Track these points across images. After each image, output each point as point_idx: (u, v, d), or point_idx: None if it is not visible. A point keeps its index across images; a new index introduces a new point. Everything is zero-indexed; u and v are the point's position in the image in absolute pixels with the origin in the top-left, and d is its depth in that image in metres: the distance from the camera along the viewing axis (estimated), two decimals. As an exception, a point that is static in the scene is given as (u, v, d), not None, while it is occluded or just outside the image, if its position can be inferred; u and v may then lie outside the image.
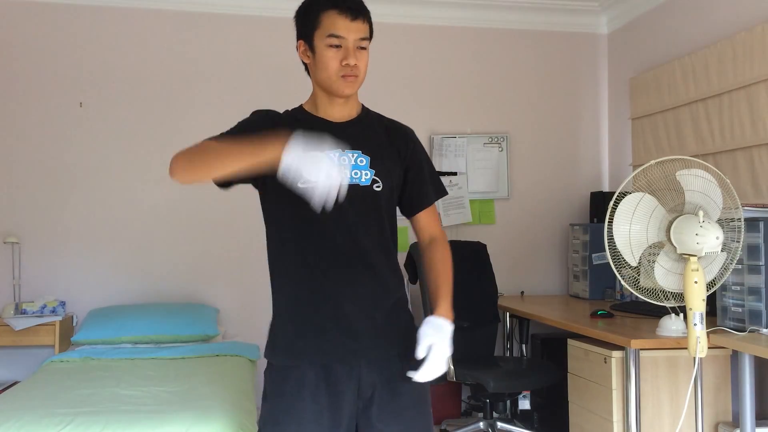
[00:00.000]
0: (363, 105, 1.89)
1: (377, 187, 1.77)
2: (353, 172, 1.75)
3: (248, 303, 4.43)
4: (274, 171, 1.54)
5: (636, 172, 2.78)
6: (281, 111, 1.87)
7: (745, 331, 2.71)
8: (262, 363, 4.49)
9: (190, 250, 4.41)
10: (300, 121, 1.79)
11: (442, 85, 4.77)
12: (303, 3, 1.81)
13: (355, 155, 1.76)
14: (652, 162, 2.74)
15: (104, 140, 4.36)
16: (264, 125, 1.74)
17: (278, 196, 1.73)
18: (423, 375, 1.68)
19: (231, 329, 4.38)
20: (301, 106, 1.87)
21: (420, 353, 1.67)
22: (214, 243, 4.42)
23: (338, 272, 1.74)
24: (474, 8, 4.74)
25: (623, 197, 2.75)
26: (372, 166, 1.77)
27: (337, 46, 1.72)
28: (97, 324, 3.92)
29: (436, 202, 1.95)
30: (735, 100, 3.59)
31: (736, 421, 2.78)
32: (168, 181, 4.70)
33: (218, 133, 1.77)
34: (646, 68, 4.41)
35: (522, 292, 4.69)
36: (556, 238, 4.86)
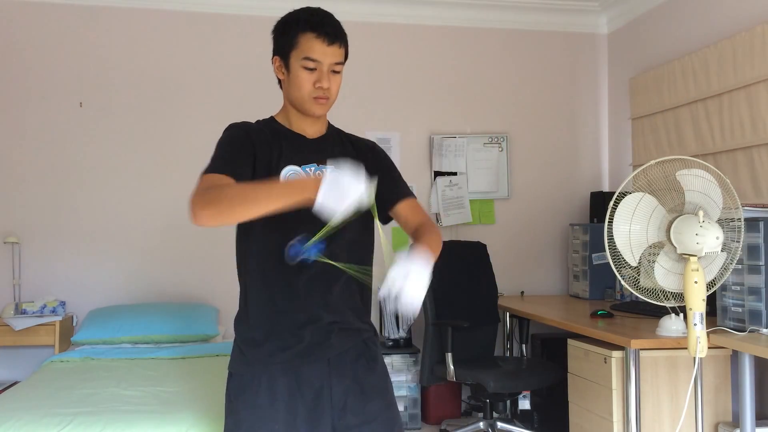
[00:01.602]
0: (329, 122, 1.94)
1: None
2: None
3: (248, 303, 4.43)
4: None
5: (636, 172, 2.78)
6: (253, 119, 1.89)
7: (745, 331, 2.71)
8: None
9: (190, 250, 4.41)
10: (278, 134, 1.83)
11: (442, 85, 4.77)
12: (282, 20, 1.83)
13: (329, 170, 1.80)
14: (652, 162, 2.74)
15: (104, 140, 4.36)
16: (250, 138, 1.79)
17: None
18: (400, 304, 1.55)
19: (231, 329, 4.36)
20: (272, 118, 1.90)
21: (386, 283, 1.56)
22: (215, 243, 4.41)
23: (311, 279, 1.76)
24: (474, 8, 4.74)
25: (623, 197, 2.75)
26: None
27: (312, 69, 1.76)
28: (97, 324, 3.92)
29: (420, 204, 1.97)
30: (735, 100, 3.59)
31: (736, 421, 2.79)
32: (167, 181, 4.67)
33: (209, 156, 1.76)
34: (646, 68, 4.41)
35: (522, 292, 4.69)
36: (556, 238, 4.86)
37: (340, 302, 1.81)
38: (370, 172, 1.86)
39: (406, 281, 1.54)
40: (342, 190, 1.51)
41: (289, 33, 1.78)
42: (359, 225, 1.78)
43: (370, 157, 1.92)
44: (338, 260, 1.73)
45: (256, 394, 1.76)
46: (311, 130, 1.87)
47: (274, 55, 1.84)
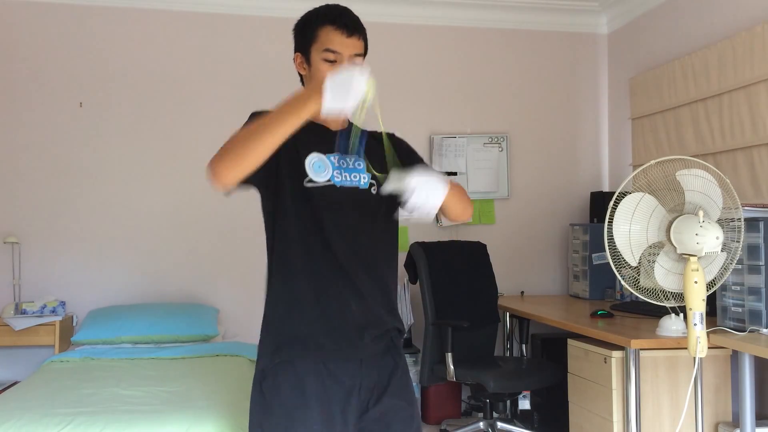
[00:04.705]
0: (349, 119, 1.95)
1: (374, 189, 1.83)
2: (352, 176, 1.81)
3: (248, 303, 4.43)
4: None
5: (636, 172, 2.78)
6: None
7: (745, 331, 2.71)
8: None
9: (191, 251, 4.41)
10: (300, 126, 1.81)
11: (442, 85, 4.77)
12: (302, 17, 1.85)
13: (353, 159, 1.84)
14: (652, 162, 2.74)
15: (104, 140, 4.36)
16: None
17: (284, 197, 1.75)
18: (412, 205, 1.63)
19: (231, 329, 4.38)
20: None
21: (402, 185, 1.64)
22: (215, 243, 4.43)
23: (341, 273, 1.77)
24: (474, 8, 4.74)
25: (623, 197, 2.75)
26: (368, 169, 1.84)
27: (332, 61, 1.77)
28: (97, 324, 3.92)
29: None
30: (735, 100, 3.59)
31: (736, 421, 2.79)
32: (167, 181, 4.66)
33: (209, 156, 1.74)
34: (646, 68, 4.41)
35: (522, 292, 4.69)
36: (556, 238, 4.86)
37: (373, 301, 1.81)
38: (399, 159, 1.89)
39: (425, 182, 1.61)
40: (345, 87, 1.53)
41: (308, 28, 1.81)
42: (382, 222, 1.83)
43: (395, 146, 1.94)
44: (362, 260, 1.78)
45: (292, 394, 1.74)
46: (333, 122, 1.87)
47: (295, 52, 1.86)
